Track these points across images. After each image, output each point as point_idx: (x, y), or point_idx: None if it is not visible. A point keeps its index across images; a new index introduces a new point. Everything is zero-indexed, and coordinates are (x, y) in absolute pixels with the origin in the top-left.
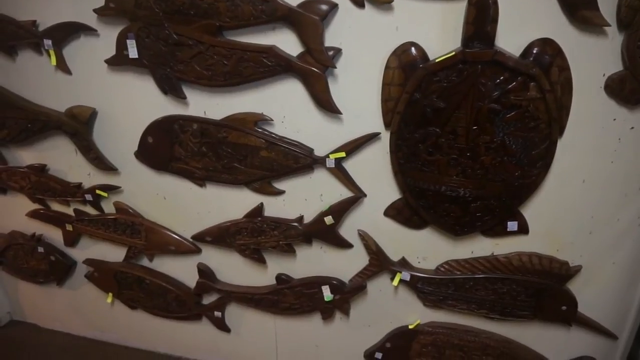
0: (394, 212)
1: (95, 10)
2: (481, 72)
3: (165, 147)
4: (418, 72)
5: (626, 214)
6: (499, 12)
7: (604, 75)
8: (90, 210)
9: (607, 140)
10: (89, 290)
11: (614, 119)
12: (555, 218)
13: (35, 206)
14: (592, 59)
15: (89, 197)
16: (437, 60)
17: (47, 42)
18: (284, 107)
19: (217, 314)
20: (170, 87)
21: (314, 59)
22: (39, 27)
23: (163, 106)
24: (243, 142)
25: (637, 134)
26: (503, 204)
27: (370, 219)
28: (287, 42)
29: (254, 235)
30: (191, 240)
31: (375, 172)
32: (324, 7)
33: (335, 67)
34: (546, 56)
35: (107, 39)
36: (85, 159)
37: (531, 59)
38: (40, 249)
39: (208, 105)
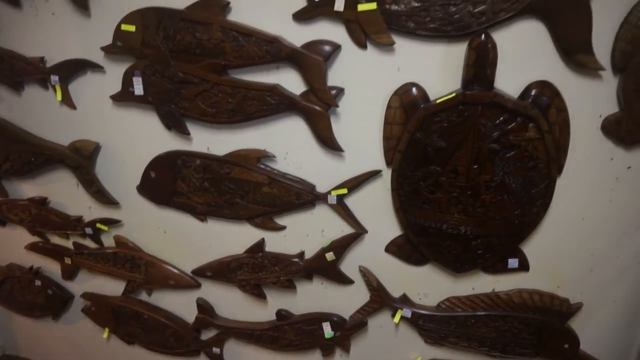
0: (395, 248)
1: (102, 48)
2: (481, 113)
3: (168, 181)
4: (419, 112)
5: (625, 252)
6: (498, 55)
7: (600, 116)
8: (89, 243)
9: (605, 179)
10: (85, 324)
11: (611, 159)
12: (555, 255)
13: (35, 239)
14: (588, 100)
15: (89, 230)
16: (437, 101)
17: (54, 78)
18: (286, 144)
19: (216, 350)
20: (175, 123)
21: (317, 98)
22: (46, 63)
23: (166, 142)
24: (245, 178)
25: (634, 174)
26: (504, 242)
27: (372, 255)
28: (291, 81)
29: (254, 271)
30: (191, 274)
31: (377, 209)
32: (328, 48)
33: (338, 106)
34: (544, 98)
35: (112, 75)
36: (87, 193)
37: (530, 100)
38: (38, 282)
39: (211, 141)
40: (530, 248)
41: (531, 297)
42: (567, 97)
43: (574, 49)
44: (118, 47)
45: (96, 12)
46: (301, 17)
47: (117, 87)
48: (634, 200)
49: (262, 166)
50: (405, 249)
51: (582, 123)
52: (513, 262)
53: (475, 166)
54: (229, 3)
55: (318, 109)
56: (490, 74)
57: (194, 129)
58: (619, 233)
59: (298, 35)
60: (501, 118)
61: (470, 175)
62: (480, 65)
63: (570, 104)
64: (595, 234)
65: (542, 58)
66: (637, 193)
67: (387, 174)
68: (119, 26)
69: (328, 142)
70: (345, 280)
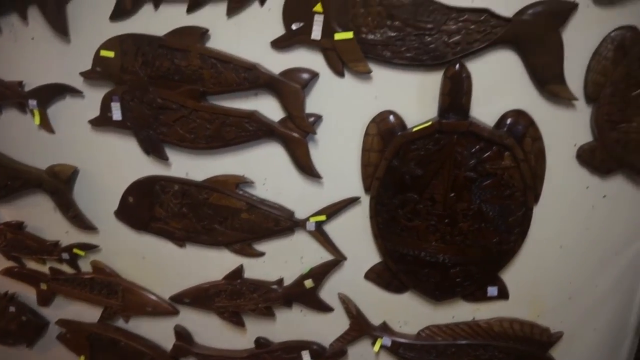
0: (374, 275)
1: (81, 74)
2: (457, 141)
3: (146, 207)
4: (396, 140)
5: (604, 280)
6: (474, 84)
7: (575, 145)
8: (66, 268)
9: (582, 207)
10: (60, 352)
11: (587, 187)
12: (535, 284)
13: (10, 264)
14: (563, 129)
15: (65, 255)
16: (414, 130)
17: (32, 102)
18: (265, 170)
19: None
20: (153, 149)
21: (295, 125)
22: (25, 87)
23: (145, 167)
24: (224, 204)
25: (609, 202)
26: (483, 270)
27: (351, 282)
28: (270, 107)
29: (232, 298)
30: (169, 301)
31: (356, 236)
32: (305, 75)
33: (316, 134)
34: (519, 127)
35: (91, 100)
36: (64, 217)
37: (505, 129)
38: (12, 309)
39: (190, 166)
40: (510, 276)
41: (511, 326)
42: (542, 126)
43: (546, 79)
44: (97, 72)
45: (76, 38)
46: (279, 45)
47: (95, 112)
48: (611, 228)
49: (241, 192)
50: (385, 276)
51: (558, 152)
52: (492, 291)
53: (452, 194)
54: (207, 30)
55: (296, 136)
56: (465, 102)
57: (173, 154)
58: (597, 261)
59: (277, 63)
60: (477, 146)
61: (447, 203)
62: (455, 94)
63: (546, 132)
64: (573, 262)
65: (517, 87)
66: (613, 221)
67: (365, 200)
68: (98, 52)
69: (306, 169)
70: (325, 308)
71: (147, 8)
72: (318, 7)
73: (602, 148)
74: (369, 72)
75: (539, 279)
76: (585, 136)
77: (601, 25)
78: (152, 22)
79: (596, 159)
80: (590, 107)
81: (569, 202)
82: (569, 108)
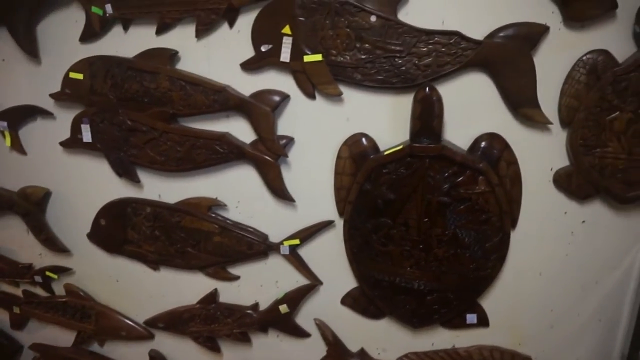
0: (350, 301)
1: (51, 95)
2: (429, 165)
3: (118, 229)
4: (367, 164)
5: (586, 308)
6: (447, 107)
7: (551, 169)
8: (40, 291)
9: (560, 233)
10: None
11: (565, 212)
12: (515, 311)
13: None
14: (539, 153)
15: (38, 278)
16: (385, 153)
17: (3, 124)
18: (238, 193)
19: None
20: (124, 171)
21: (266, 147)
22: None
23: (118, 188)
24: (196, 227)
25: (588, 228)
26: (460, 296)
27: (327, 307)
28: (242, 129)
29: (207, 323)
30: (143, 325)
31: (331, 260)
32: (276, 98)
33: (287, 156)
34: (494, 150)
35: (63, 121)
36: (37, 240)
37: (479, 153)
38: None
39: (163, 188)
40: (489, 303)
41: (492, 355)
42: (517, 150)
43: (520, 102)
44: (66, 94)
45: (46, 59)
46: (249, 66)
47: (67, 134)
48: (591, 254)
49: (213, 215)
50: (361, 302)
51: (534, 176)
52: (471, 318)
53: (426, 219)
54: (176, 52)
55: (267, 158)
56: (436, 126)
57: (145, 176)
58: (578, 288)
59: (247, 84)
60: (450, 171)
61: (421, 228)
62: (426, 118)
63: (521, 156)
64: (553, 289)
65: (491, 110)
66: (593, 247)
67: (340, 224)
68: (67, 74)
69: (279, 192)
70: (301, 334)
71: (117, 30)
72: (286, 29)
73: (578, 173)
74: (339, 94)
75: (519, 306)
76: (561, 160)
77: (573, 49)
78: (122, 44)
79: (573, 184)
80: (565, 131)
81: (548, 228)
82: (544, 132)
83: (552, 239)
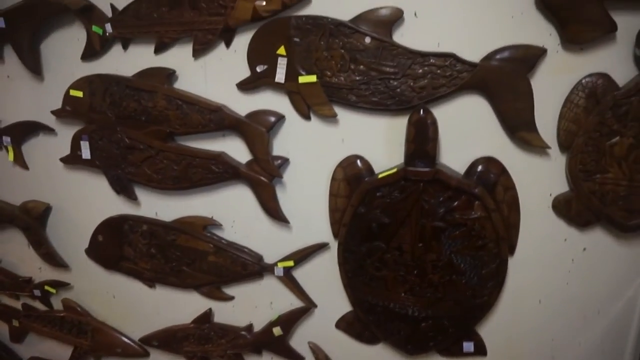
0: (345, 325)
1: (52, 112)
2: (424, 189)
3: (115, 246)
4: (362, 186)
5: (587, 338)
6: (443, 129)
7: (550, 195)
8: (40, 305)
9: (561, 260)
10: None
11: (565, 239)
12: (514, 340)
13: None
14: (537, 178)
15: (37, 292)
16: (379, 176)
17: (6, 139)
18: (233, 212)
19: None
20: (122, 188)
21: (261, 168)
22: (0, 124)
23: (116, 205)
24: (192, 246)
25: (590, 256)
26: (456, 324)
27: (322, 330)
28: (238, 148)
29: (201, 343)
30: (139, 342)
31: (326, 283)
32: (271, 118)
33: (282, 177)
34: (491, 175)
35: (64, 138)
36: (37, 254)
37: (475, 177)
38: None
39: (160, 206)
40: (487, 331)
41: None
42: (514, 175)
43: (517, 126)
44: (67, 111)
45: (49, 77)
46: (244, 87)
47: (68, 150)
48: (593, 283)
49: (209, 234)
50: (356, 326)
51: (533, 201)
52: (468, 346)
53: (421, 244)
54: (174, 72)
55: (262, 179)
56: (431, 150)
57: (143, 193)
58: (579, 318)
59: (243, 104)
60: (445, 195)
61: (416, 253)
62: (420, 141)
63: (519, 181)
64: (554, 318)
65: (488, 133)
66: (595, 276)
67: (335, 246)
68: (67, 91)
69: (273, 212)
70: (295, 357)
71: (117, 49)
72: (281, 50)
73: (578, 199)
74: (334, 115)
75: (518, 335)
76: (560, 186)
77: (572, 72)
78: (122, 62)
79: (573, 210)
80: (564, 156)
81: (547, 255)
82: (542, 156)
83: (551, 266)
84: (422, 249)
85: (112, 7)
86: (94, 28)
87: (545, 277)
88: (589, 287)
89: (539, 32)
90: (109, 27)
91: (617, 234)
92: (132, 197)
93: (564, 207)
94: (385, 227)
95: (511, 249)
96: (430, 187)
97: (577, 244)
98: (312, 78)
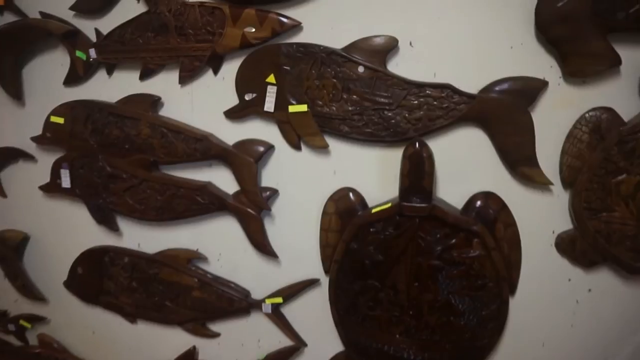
0: None
1: (32, 139)
2: (420, 226)
3: (95, 279)
4: (354, 222)
5: None
6: (440, 162)
7: (553, 232)
8: (15, 340)
9: (565, 301)
10: None
11: (569, 279)
12: None
13: None
14: (539, 215)
15: (11, 327)
16: (373, 211)
17: None
18: (220, 245)
19: None
20: (103, 218)
21: (248, 200)
22: None
23: (97, 236)
24: (175, 280)
25: (595, 297)
26: None
27: None
28: (225, 179)
29: None
30: None
31: (316, 321)
32: (260, 148)
33: (270, 210)
34: (490, 211)
35: (44, 165)
36: (13, 286)
37: (474, 213)
38: None
39: (142, 237)
40: None
41: None
42: (515, 211)
43: (518, 161)
44: (47, 138)
45: (31, 102)
46: (232, 115)
47: (47, 178)
48: (599, 326)
49: (193, 268)
50: None
51: (534, 239)
52: None
53: (416, 284)
54: (159, 99)
55: (249, 211)
56: (427, 184)
57: (125, 224)
58: None
59: (231, 133)
60: (442, 232)
61: (411, 293)
62: (416, 176)
63: (520, 218)
64: None
65: (487, 168)
66: (601, 319)
67: (326, 282)
68: (48, 118)
69: (261, 246)
70: None
71: (101, 74)
72: (271, 78)
73: (583, 238)
74: (326, 146)
75: None
76: (563, 223)
77: (574, 105)
78: (106, 88)
79: (577, 249)
80: (567, 192)
81: (550, 295)
82: (544, 192)
83: (555, 307)
84: (418, 288)
85: (97, 32)
86: (78, 53)
87: (548, 319)
88: (594, 330)
89: (540, 64)
90: (93, 53)
91: (625, 275)
92: (113, 228)
93: (567, 246)
94: (379, 264)
95: (512, 289)
96: (426, 223)
97: (582, 285)
98: (303, 107)
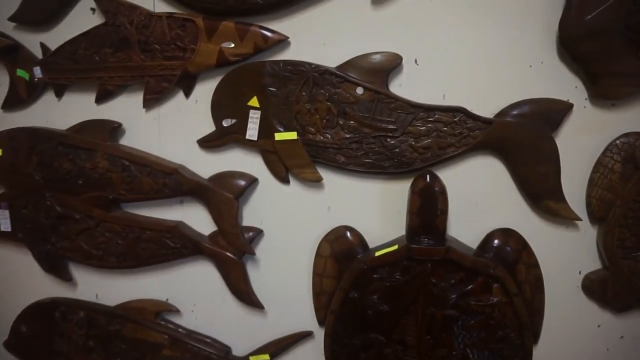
0: None
1: None
2: (432, 271)
3: (43, 338)
4: (354, 266)
5: None
6: (451, 194)
7: (580, 273)
8: None
9: (593, 350)
10: None
11: (599, 325)
12: None
13: None
14: (564, 254)
15: None
16: (376, 254)
17: None
18: (194, 294)
19: None
20: (52, 266)
21: (228, 242)
22: None
23: (46, 286)
24: (141, 337)
25: (628, 345)
26: None
27: None
28: (199, 217)
29: None
30: None
31: None
32: (240, 182)
33: (254, 254)
34: (509, 250)
35: None
36: None
37: (492, 253)
38: None
39: (101, 287)
40: None
41: None
42: (537, 250)
43: (540, 193)
44: None
45: None
46: (208, 145)
47: None
48: None
49: (162, 322)
50: None
51: (559, 281)
52: None
53: (428, 337)
54: (119, 125)
55: (229, 255)
56: (440, 224)
57: (80, 272)
58: None
59: (207, 164)
60: (457, 277)
61: (423, 348)
62: (427, 214)
63: (543, 257)
64: None
65: (506, 202)
66: None
67: (320, 335)
68: None
69: (243, 296)
70: None
71: (48, 97)
72: (254, 102)
73: (615, 279)
74: (319, 180)
75: None
76: (591, 263)
77: (603, 131)
78: (55, 113)
79: (608, 292)
80: (596, 228)
81: (577, 343)
82: (569, 228)
83: (583, 357)
84: (430, 342)
85: (43, 47)
86: (19, 72)
87: None
88: None
89: (563, 84)
90: (38, 71)
91: None
92: (65, 277)
93: (597, 288)
94: (384, 315)
95: (535, 338)
96: (439, 267)
97: (612, 331)
98: (292, 135)
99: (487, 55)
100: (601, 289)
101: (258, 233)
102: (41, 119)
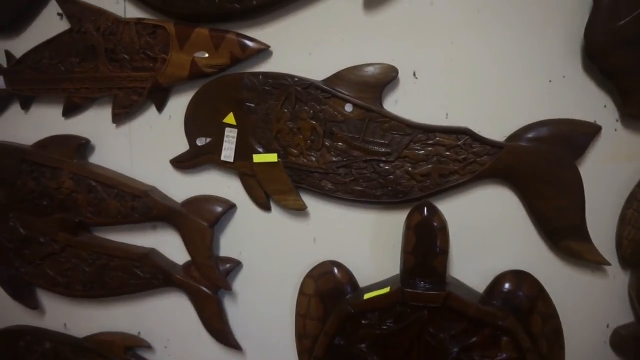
0: None
1: None
2: (429, 319)
3: None
4: (341, 309)
5: None
6: (452, 229)
7: (608, 326)
8: None
9: None
10: None
11: None
12: None
13: None
14: (589, 303)
15: None
16: (365, 297)
17: None
18: (168, 329)
19: None
20: (17, 293)
21: (201, 275)
22: None
23: (11, 314)
24: None
25: None
26: None
27: None
28: (174, 244)
29: None
30: None
31: None
32: (217, 208)
33: (231, 289)
34: (522, 296)
35: None
36: None
37: (501, 300)
38: None
39: (70, 316)
40: None
41: None
42: (556, 297)
43: (561, 232)
44: None
45: None
46: (181, 165)
47: None
48: None
49: (132, 359)
50: None
51: (582, 336)
52: None
53: None
54: (87, 142)
55: (204, 290)
56: (439, 265)
57: (49, 298)
58: None
59: (181, 186)
60: (460, 328)
61: None
62: (424, 254)
63: (563, 306)
64: None
65: (518, 240)
66: None
67: None
68: None
69: (219, 334)
70: None
71: (14, 109)
72: (230, 118)
73: None
74: (303, 208)
75: None
76: (622, 315)
77: (637, 158)
78: (21, 128)
79: None
80: (627, 274)
81: None
82: (596, 273)
83: None
84: None
85: (8, 55)
86: None
87: None
88: None
89: (589, 102)
90: (1, 82)
91: None
92: (31, 305)
93: (629, 346)
94: None
95: None
96: (438, 316)
97: None
98: (272, 157)
99: (499, 68)
100: (633, 345)
101: (236, 265)
102: (7, 133)
